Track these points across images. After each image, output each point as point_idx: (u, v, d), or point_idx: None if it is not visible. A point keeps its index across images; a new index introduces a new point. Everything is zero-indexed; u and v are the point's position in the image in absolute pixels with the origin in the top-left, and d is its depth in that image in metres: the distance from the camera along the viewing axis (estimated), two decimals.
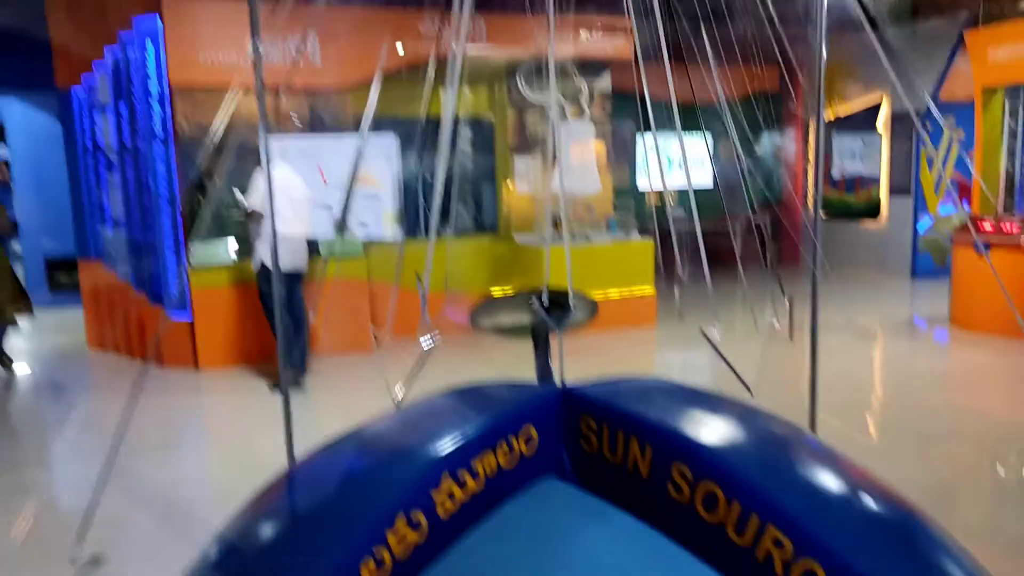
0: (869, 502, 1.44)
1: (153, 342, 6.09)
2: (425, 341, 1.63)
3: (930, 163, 9.95)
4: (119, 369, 6.36)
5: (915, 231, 9.93)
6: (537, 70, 7.40)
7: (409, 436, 1.63)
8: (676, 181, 10.22)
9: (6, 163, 20.17)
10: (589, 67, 7.50)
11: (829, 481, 1.50)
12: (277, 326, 2.48)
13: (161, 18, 5.76)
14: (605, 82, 7.83)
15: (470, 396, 1.81)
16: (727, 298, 3.05)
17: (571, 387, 1.76)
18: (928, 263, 9.81)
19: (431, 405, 1.80)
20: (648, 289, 7.47)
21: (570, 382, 1.78)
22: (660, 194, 9.41)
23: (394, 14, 6.29)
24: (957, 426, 4.56)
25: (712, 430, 1.61)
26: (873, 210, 10.65)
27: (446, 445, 1.54)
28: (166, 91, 5.87)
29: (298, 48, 5.90)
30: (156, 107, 5.90)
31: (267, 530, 1.45)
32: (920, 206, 9.96)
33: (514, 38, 6.52)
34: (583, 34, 7.23)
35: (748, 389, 1.90)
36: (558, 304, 2.04)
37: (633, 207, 8.53)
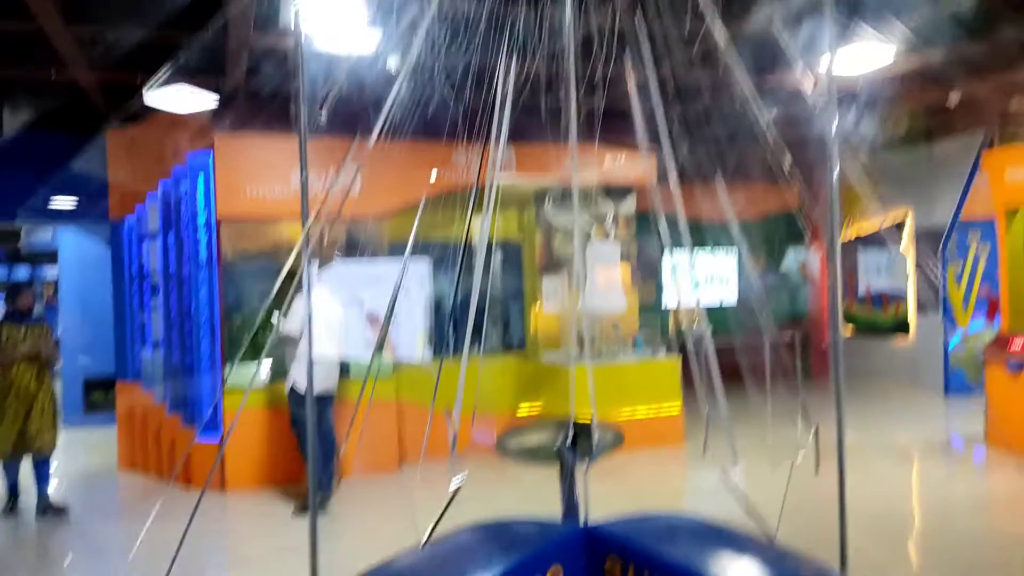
0: None
1: (179, 463, 6.17)
2: (454, 480, 1.69)
3: (957, 279, 9.99)
4: (147, 491, 6.41)
5: (946, 347, 9.84)
6: (563, 195, 7.72)
7: (445, 557, 1.68)
8: (703, 298, 10.35)
9: (53, 284, 20.96)
10: (614, 191, 7.82)
11: None
12: (308, 452, 2.55)
13: (213, 154, 6.17)
14: (630, 205, 8.12)
15: (496, 534, 1.85)
16: (756, 417, 3.07)
17: (596, 525, 1.80)
18: (961, 380, 9.66)
19: (458, 542, 1.85)
20: (675, 408, 7.44)
21: (595, 517, 1.83)
22: (684, 312, 9.50)
23: (428, 146, 6.68)
24: (1003, 556, 4.40)
25: (738, 573, 1.63)
26: (902, 326, 10.61)
27: None
28: (212, 221, 6.22)
29: (346, 180, 6.26)
30: (203, 235, 6.23)
31: None
32: (949, 322, 9.92)
33: (541, 166, 6.84)
34: (607, 161, 7.57)
35: (770, 533, 1.89)
36: (583, 435, 2.11)
37: (659, 325, 8.64)
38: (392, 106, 2.79)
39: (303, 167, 2.91)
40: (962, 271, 9.97)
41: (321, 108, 2.59)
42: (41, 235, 12.38)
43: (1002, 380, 6.95)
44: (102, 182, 7.17)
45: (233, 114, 5.97)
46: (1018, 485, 5.86)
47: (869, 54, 5.71)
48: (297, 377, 5.39)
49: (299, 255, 2.62)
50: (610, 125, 3.67)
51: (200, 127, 6.26)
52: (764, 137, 2.75)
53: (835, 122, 2.67)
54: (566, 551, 1.73)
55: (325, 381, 5.43)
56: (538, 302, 7.83)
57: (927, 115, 8.27)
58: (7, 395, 5.54)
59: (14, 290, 5.90)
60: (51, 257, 16.33)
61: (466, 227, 3.32)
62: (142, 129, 6.73)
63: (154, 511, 3.42)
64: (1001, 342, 7.16)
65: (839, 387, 2.61)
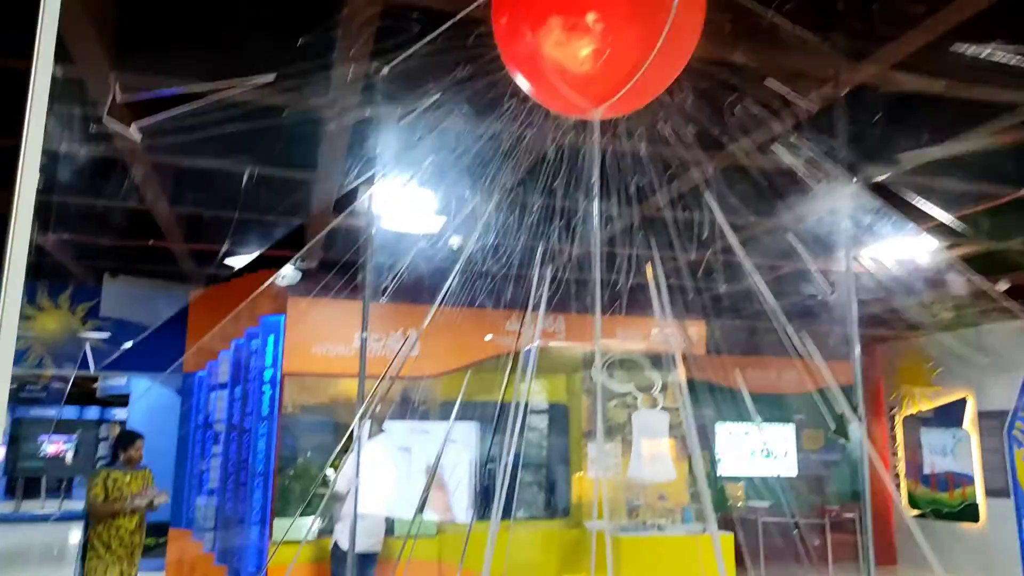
0: None
1: None
2: None
3: None
4: None
5: (1021, 536, 9.28)
6: (616, 363, 7.94)
7: None
8: (758, 470, 10.15)
9: (119, 424, 21.66)
10: (661, 360, 7.99)
11: None
12: None
13: (285, 316, 6.67)
14: (680, 374, 8.25)
15: None
16: None
17: None
18: None
19: None
20: None
21: None
22: (742, 486, 9.33)
23: (483, 313, 7.06)
24: None
25: None
26: (971, 512, 10.09)
27: None
28: (278, 377, 6.61)
29: (406, 343, 6.65)
30: (267, 390, 6.60)
31: None
32: (1023, 508, 9.42)
33: (589, 334, 7.11)
34: (654, 330, 7.81)
35: None
36: None
37: (711, 497, 8.47)
38: (452, 280, 3.13)
39: (364, 328, 3.22)
40: None
41: (384, 292, 2.93)
42: (115, 380, 13.06)
43: None
44: (181, 335, 7.73)
45: (307, 281, 6.50)
46: None
47: (915, 244, 5.98)
48: (340, 535, 5.48)
49: (348, 409, 2.87)
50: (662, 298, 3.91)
51: (275, 292, 6.81)
52: (819, 315, 2.97)
53: (855, 312, 2.88)
54: None
55: (369, 539, 5.50)
56: (583, 467, 7.84)
57: (977, 299, 8.36)
58: (111, 542, 5.43)
59: (126, 439, 5.76)
60: (122, 401, 17.13)
61: (513, 390, 3.54)
62: (222, 291, 7.34)
63: None
64: None
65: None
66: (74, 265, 7.27)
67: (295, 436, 6.83)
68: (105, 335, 7.84)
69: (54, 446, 18.00)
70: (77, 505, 18.43)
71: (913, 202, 4.12)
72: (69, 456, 18.32)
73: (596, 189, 2.29)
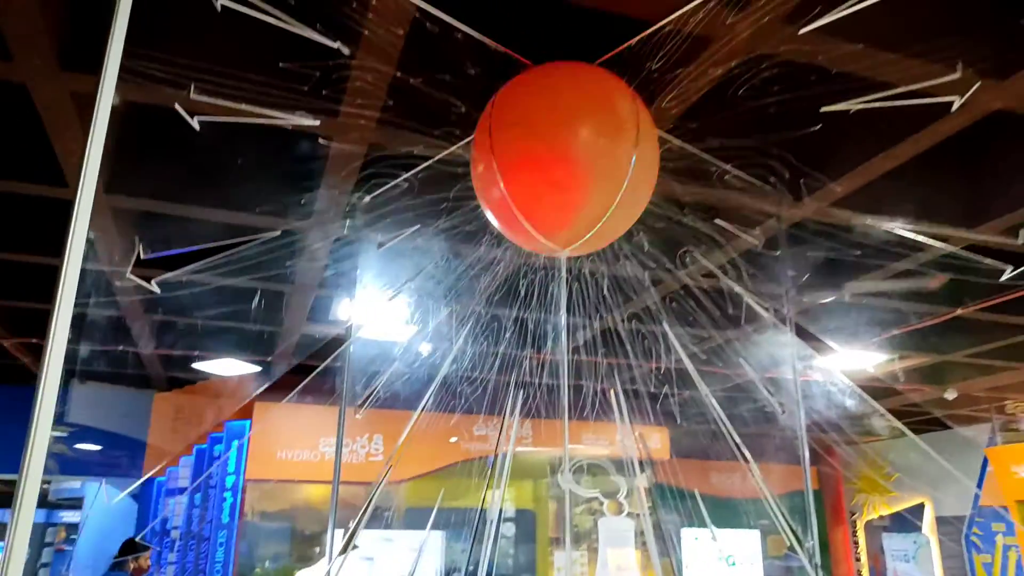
0: None
1: None
2: None
3: (986, 569, 9.68)
4: None
5: None
6: (580, 468, 7.98)
7: None
8: None
9: (64, 529, 20.70)
10: (626, 464, 8.05)
11: None
12: None
13: (251, 421, 6.67)
14: (644, 479, 8.31)
15: None
16: None
17: None
18: None
19: None
20: None
21: None
22: None
23: (450, 418, 7.13)
24: None
25: None
26: None
27: None
28: (240, 483, 6.54)
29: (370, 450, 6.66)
30: (228, 497, 6.51)
31: None
32: None
33: (557, 439, 7.21)
34: (618, 437, 7.91)
35: None
36: None
37: None
38: (428, 399, 3.26)
39: (339, 440, 3.30)
40: (991, 562, 9.70)
41: (362, 405, 3.05)
42: (69, 484, 12.63)
43: None
44: (141, 440, 7.62)
45: (274, 385, 6.55)
46: None
47: (860, 358, 6.29)
48: None
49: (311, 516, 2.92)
50: (631, 403, 4.06)
51: (241, 397, 6.83)
52: (776, 422, 3.13)
53: (803, 421, 3.06)
54: None
55: None
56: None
57: (928, 407, 8.67)
58: None
59: (136, 548, 5.70)
60: (75, 504, 16.44)
61: (485, 496, 3.60)
62: (186, 395, 7.32)
63: None
64: None
65: None
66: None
67: (254, 543, 6.69)
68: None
69: None
70: None
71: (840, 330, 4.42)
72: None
73: (564, 321, 2.47)
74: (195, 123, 2.06)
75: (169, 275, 2.69)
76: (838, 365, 6.54)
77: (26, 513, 1.27)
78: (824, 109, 2.10)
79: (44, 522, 19.49)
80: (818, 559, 3.11)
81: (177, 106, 2.09)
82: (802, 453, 2.98)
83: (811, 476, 11.28)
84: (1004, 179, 3.16)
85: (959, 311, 4.72)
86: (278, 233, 2.91)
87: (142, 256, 2.69)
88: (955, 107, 2.17)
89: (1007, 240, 3.63)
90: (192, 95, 2.06)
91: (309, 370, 6.27)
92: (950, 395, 7.44)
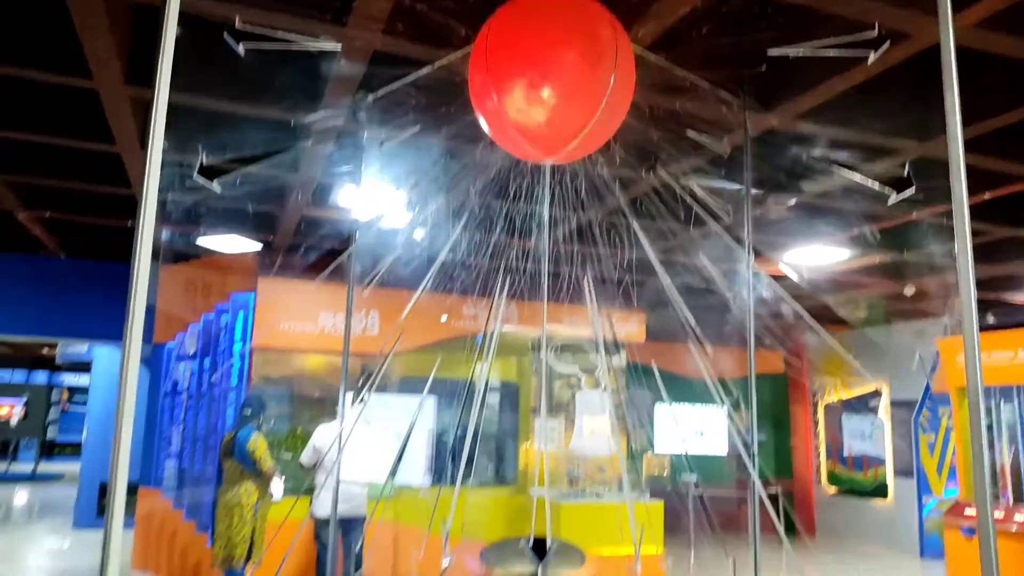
0: None
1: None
2: (445, 560, 2.36)
3: (930, 448, 10.59)
4: None
5: (920, 512, 10.30)
6: (560, 347, 8.59)
7: None
8: (692, 448, 10.94)
9: (68, 391, 21.61)
10: (606, 345, 8.66)
11: None
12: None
13: (255, 294, 7.12)
14: (620, 358, 8.95)
15: None
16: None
17: None
18: (936, 543, 10.04)
19: None
20: (657, 549, 7.92)
21: None
22: (661, 459, 10.16)
23: (443, 298, 7.62)
24: None
25: None
26: (881, 490, 11.10)
27: None
28: (247, 350, 7.07)
29: (367, 323, 7.16)
30: (236, 362, 7.05)
31: None
32: (924, 488, 10.43)
33: (539, 320, 7.74)
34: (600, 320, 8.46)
35: None
36: (543, 547, 2.80)
37: (640, 469, 9.25)
38: (427, 281, 3.67)
39: (348, 321, 3.74)
40: (935, 441, 10.58)
41: (367, 285, 3.45)
42: (76, 347, 13.24)
43: (959, 544, 7.46)
44: (150, 309, 8.10)
45: (277, 263, 6.96)
46: None
47: (826, 252, 6.72)
48: (316, 503, 6.03)
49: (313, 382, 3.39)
50: (606, 290, 4.44)
51: (246, 272, 7.24)
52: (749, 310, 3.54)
53: (752, 314, 3.51)
54: None
55: (343, 505, 5.94)
56: (530, 440, 8.50)
57: (889, 301, 9.22)
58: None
59: (266, 404, 6.31)
60: (80, 367, 17.22)
61: (471, 370, 4.07)
62: (193, 268, 7.73)
63: None
64: (958, 509, 7.73)
65: (755, 537, 3.29)
66: (53, 242, 7.59)
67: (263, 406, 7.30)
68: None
69: (2, 409, 18.00)
70: (24, 467, 18.52)
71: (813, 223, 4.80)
72: (15, 420, 18.34)
73: (546, 218, 2.85)
74: (240, 49, 2.35)
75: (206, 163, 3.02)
76: (808, 261, 7.00)
77: (132, 367, 1.68)
78: (771, 52, 2.40)
79: (48, 383, 20.41)
80: (756, 432, 3.61)
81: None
82: (748, 338, 3.44)
83: (777, 361, 11.99)
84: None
85: (913, 215, 5.11)
86: (290, 125, 3.19)
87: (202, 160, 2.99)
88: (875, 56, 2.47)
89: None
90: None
91: (312, 250, 6.67)
92: (908, 291, 7.97)
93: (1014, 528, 7.09)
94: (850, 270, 7.52)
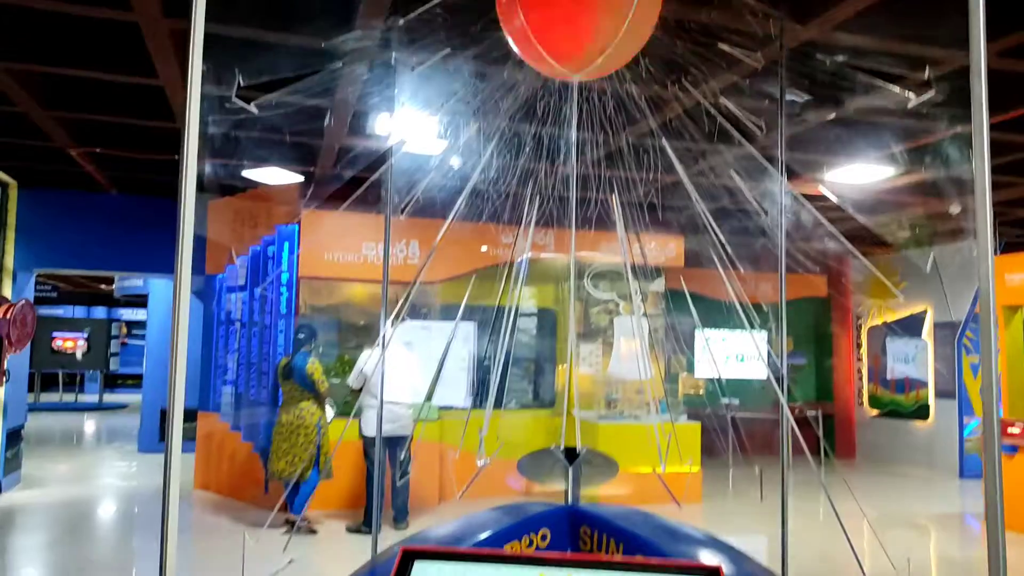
0: None
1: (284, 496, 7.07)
2: (480, 461, 2.53)
3: (973, 369, 10.50)
4: (220, 507, 7.36)
5: (961, 433, 10.30)
6: (598, 274, 8.66)
7: (465, 527, 2.54)
8: (732, 372, 11.04)
9: (126, 325, 22.43)
10: (644, 272, 8.71)
11: None
12: (373, 488, 3.37)
13: (299, 226, 7.31)
14: (658, 284, 9.00)
15: (511, 509, 2.71)
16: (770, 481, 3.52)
17: (578, 507, 2.64)
18: (976, 463, 10.07)
19: (482, 515, 2.70)
20: (695, 467, 8.14)
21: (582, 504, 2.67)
22: (697, 381, 10.29)
23: (480, 227, 7.71)
24: None
25: (669, 541, 2.45)
26: (922, 411, 11.10)
27: (486, 534, 2.43)
28: (294, 279, 7.31)
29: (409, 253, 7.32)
30: (284, 291, 7.31)
31: None
32: (966, 409, 10.40)
33: (577, 247, 7.80)
34: (636, 247, 8.48)
35: None
36: (575, 455, 2.95)
37: (682, 399, 9.42)
38: (460, 204, 3.75)
39: (387, 246, 3.86)
40: (979, 363, 10.48)
41: (403, 211, 3.55)
42: (132, 282, 13.75)
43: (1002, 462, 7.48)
44: (200, 242, 8.38)
45: (318, 194, 7.11)
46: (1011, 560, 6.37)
47: (869, 171, 6.59)
48: (363, 423, 6.35)
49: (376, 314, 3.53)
50: (644, 215, 4.45)
51: (290, 204, 7.42)
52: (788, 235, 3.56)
53: (783, 234, 3.53)
54: (554, 520, 2.57)
55: (388, 425, 6.26)
56: (567, 364, 8.69)
57: (936, 220, 9.02)
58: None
59: (313, 332, 6.75)
60: (137, 301, 17.89)
61: (508, 296, 4.17)
62: (240, 201, 7.93)
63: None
64: (1000, 427, 7.72)
65: (786, 457, 3.39)
66: (105, 179, 7.84)
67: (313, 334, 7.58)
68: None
69: (68, 343, 18.86)
70: (90, 397, 19.53)
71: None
72: (79, 353, 19.20)
73: (574, 138, 2.89)
74: None
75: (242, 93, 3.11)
76: (847, 180, 6.89)
77: (184, 294, 1.81)
78: None
79: (107, 318, 21.24)
80: (785, 355, 3.66)
81: None
82: (780, 258, 3.46)
83: (820, 285, 11.90)
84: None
85: (958, 129, 4.98)
86: (322, 53, 3.26)
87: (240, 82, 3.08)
88: None
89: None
90: None
91: (351, 181, 6.78)
92: (954, 210, 7.79)
93: None
94: (892, 189, 7.38)
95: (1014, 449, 7.43)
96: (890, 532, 6.89)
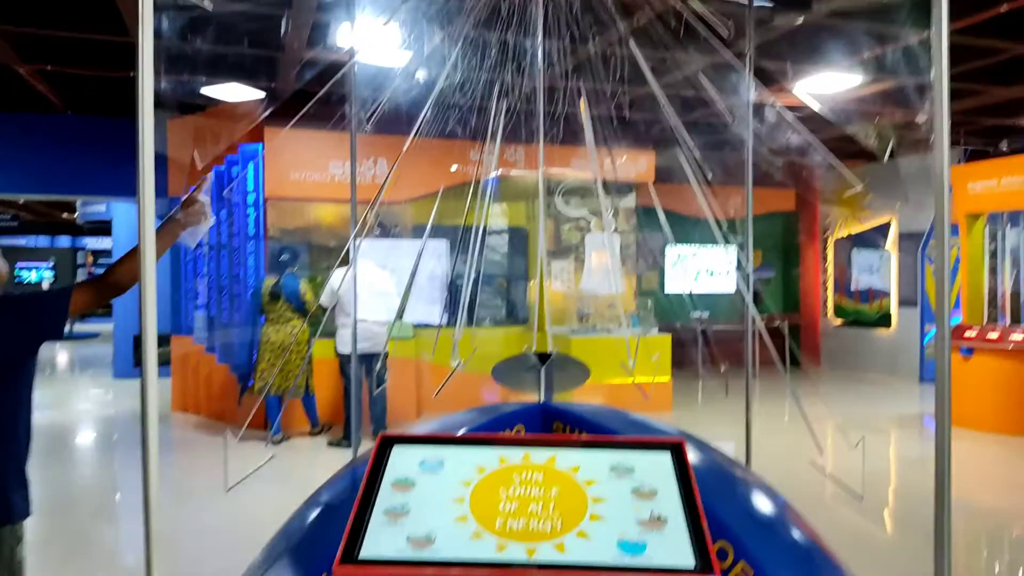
0: (755, 494, 2.29)
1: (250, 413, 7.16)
2: (455, 361, 2.59)
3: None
4: (199, 426, 7.46)
5: (922, 339, 10.66)
6: (569, 190, 8.64)
7: (442, 425, 2.61)
8: (702, 287, 11.23)
9: (92, 252, 22.06)
10: (615, 187, 8.71)
11: (724, 481, 2.37)
12: (351, 403, 3.43)
13: (263, 145, 7.15)
14: (629, 200, 9.02)
15: (488, 408, 2.78)
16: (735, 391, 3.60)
17: (550, 404, 2.72)
18: (935, 368, 10.46)
19: (461, 414, 2.78)
20: (666, 377, 8.37)
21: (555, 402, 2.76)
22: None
23: (448, 144, 7.60)
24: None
25: (630, 429, 2.54)
26: (885, 320, 11.43)
27: (463, 431, 2.51)
28: (261, 200, 7.20)
29: (376, 170, 7.21)
30: (252, 212, 7.21)
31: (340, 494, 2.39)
32: (928, 317, 10.72)
33: (548, 163, 7.75)
34: (607, 162, 8.45)
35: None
36: (548, 359, 3.02)
37: (654, 307, 9.58)
38: (426, 111, 3.69)
39: (353, 160, 3.81)
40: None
41: (368, 120, 3.49)
42: (95, 208, 13.46)
43: (956, 365, 7.78)
44: (162, 163, 8.18)
45: (281, 111, 6.93)
46: (960, 455, 6.71)
47: (837, 79, 6.56)
48: (338, 341, 6.43)
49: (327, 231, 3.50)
50: (614, 130, 4.44)
51: (251, 122, 7.23)
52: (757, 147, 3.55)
53: (750, 141, 3.53)
54: (528, 417, 2.65)
55: (364, 343, 6.32)
56: (538, 281, 8.79)
57: (903, 130, 9.07)
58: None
59: (296, 254, 7.00)
60: (102, 228, 17.54)
61: (476, 215, 4.16)
62: (200, 120, 7.71)
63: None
64: (957, 331, 8.00)
65: (750, 360, 3.48)
66: (58, 98, 7.55)
67: (280, 255, 7.52)
68: None
69: (31, 273, 18.55)
70: None
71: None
72: (46, 284, 18.92)
73: (540, 42, 2.84)
74: None
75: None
76: (816, 88, 6.87)
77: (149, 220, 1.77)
78: None
79: (72, 247, 20.87)
80: (751, 266, 3.71)
81: None
82: (746, 173, 3.47)
83: (789, 198, 12.00)
84: None
85: (926, 34, 4.95)
86: None
87: None
88: None
89: None
90: None
91: (312, 97, 6.61)
92: (921, 118, 7.83)
93: (1010, 347, 7.36)
94: (860, 98, 7.38)
95: (969, 351, 7.73)
96: (851, 434, 7.19)
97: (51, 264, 18.65)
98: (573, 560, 1.16)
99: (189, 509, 4.91)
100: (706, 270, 12.24)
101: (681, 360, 9.66)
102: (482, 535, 1.20)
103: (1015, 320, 8.48)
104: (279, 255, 6.87)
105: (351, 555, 1.17)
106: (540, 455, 1.42)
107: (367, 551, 1.18)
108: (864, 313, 11.89)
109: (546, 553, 1.17)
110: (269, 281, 6.81)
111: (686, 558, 1.17)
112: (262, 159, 7.16)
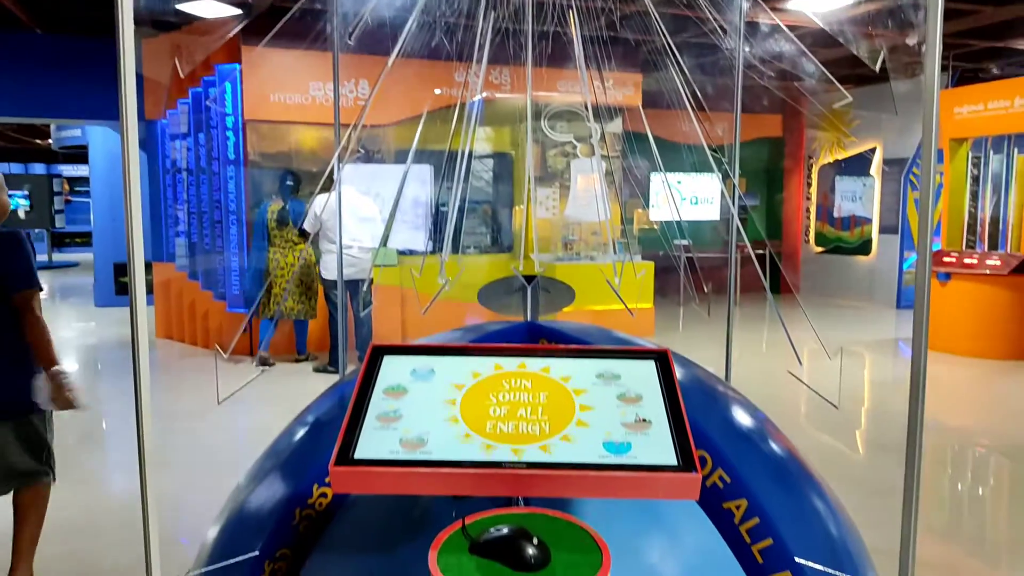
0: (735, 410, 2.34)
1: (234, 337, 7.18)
2: (441, 280, 2.60)
3: (917, 204, 10.84)
4: (184, 354, 7.49)
5: (901, 266, 10.79)
6: (555, 114, 8.51)
7: (430, 340, 2.64)
8: (686, 215, 11.24)
9: (68, 181, 21.66)
10: (602, 112, 8.58)
11: (709, 397, 2.42)
12: (337, 328, 3.43)
13: (240, 65, 6.95)
14: (616, 125, 8.90)
15: (475, 327, 2.81)
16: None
17: (536, 322, 2.76)
18: (913, 294, 10.64)
19: (451, 332, 2.81)
20: (648, 303, 8.46)
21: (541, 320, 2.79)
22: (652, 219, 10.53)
23: (432, 65, 7.43)
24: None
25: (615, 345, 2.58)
26: (865, 247, 11.55)
27: None
28: (240, 123, 7.05)
29: (357, 92, 7.05)
30: (231, 137, 7.06)
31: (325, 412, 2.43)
32: (908, 244, 10.84)
33: (535, 86, 7.61)
34: (594, 84, 8.31)
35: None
36: (533, 280, 3.04)
37: (637, 234, 9.60)
38: (410, 26, 3.59)
39: (336, 79, 3.71)
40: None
41: (351, 36, 3.39)
42: (70, 132, 13.10)
43: (934, 290, 7.91)
44: (139, 84, 7.94)
45: (259, 27, 6.71)
46: (933, 377, 6.90)
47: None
48: (322, 267, 6.41)
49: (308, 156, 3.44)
50: (602, 51, 4.35)
51: (228, 40, 7.01)
52: (744, 72, 3.49)
53: (741, 60, 3.47)
54: (514, 335, 2.68)
55: (348, 269, 6.31)
56: (524, 208, 8.74)
57: (893, 53, 8.94)
58: None
59: (298, 178, 7.00)
60: (82, 156, 17.16)
61: (461, 139, 4.10)
62: (175, 39, 7.46)
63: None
64: (936, 256, 8.11)
65: (733, 288, 3.51)
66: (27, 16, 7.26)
67: (259, 181, 7.41)
68: None
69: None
70: (39, 258, 19.10)
71: None
72: (22, 212, 18.58)
73: None
74: None
75: None
76: (808, 6, 6.72)
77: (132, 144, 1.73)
78: None
79: (47, 174, 20.43)
80: (738, 193, 3.70)
81: None
82: (735, 95, 3.42)
83: (775, 124, 11.91)
84: None
85: None
86: None
87: None
88: None
89: None
90: None
91: (294, 14, 6.39)
92: (912, 40, 7.73)
93: (987, 272, 7.48)
94: (848, 19, 7.24)
95: (947, 276, 7.84)
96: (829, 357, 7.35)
97: (26, 192, 18.26)
98: (559, 459, 1.20)
99: (177, 429, 4.97)
100: (690, 198, 12.23)
101: (664, 287, 9.75)
102: (471, 437, 1.24)
103: (992, 246, 8.59)
104: (284, 180, 6.85)
105: (346, 456, 1.20)
106: (534, 364, 1.45)
107: (361, 453, 1.21)
108: (845, 240, 11.99)
109: (533, 454, 1.21)
110: (275, 207, 6.79)
111: (669, 457, 1.20)
112: (240, 80, 6.97)
